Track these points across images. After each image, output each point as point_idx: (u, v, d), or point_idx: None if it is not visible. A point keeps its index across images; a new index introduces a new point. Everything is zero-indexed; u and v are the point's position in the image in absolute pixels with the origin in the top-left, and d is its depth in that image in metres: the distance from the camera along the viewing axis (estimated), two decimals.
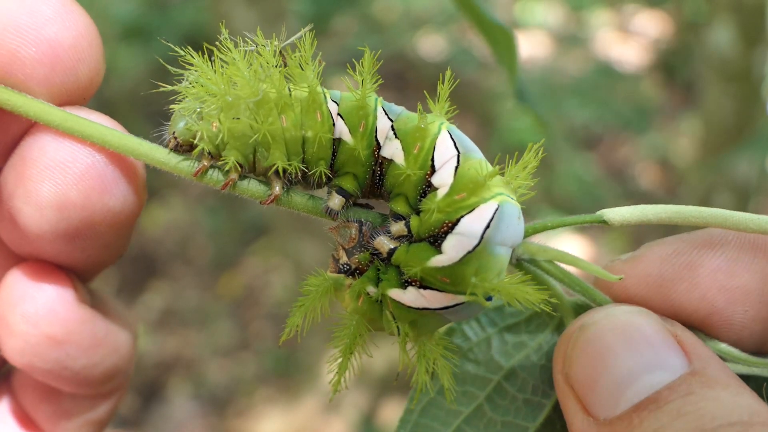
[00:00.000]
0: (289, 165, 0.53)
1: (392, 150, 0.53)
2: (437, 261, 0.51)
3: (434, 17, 4.75)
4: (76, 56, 0.51)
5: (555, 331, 0.61)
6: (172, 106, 0.53)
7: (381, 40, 4.49)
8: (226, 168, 0.53)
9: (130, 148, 0.52)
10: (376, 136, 0.54)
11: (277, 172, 0.53)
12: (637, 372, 0.49)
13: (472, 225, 0.50)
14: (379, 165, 0.55)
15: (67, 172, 0.50)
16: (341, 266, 0.55)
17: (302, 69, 0.54)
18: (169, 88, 0.52)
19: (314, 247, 2.94)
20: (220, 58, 0.52)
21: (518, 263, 0.58)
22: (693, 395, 0.46)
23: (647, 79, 4.77)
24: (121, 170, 0.52)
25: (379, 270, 0.54)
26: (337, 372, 0.55)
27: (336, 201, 0.55)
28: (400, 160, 0.53)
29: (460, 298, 0.51)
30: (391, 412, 2.93)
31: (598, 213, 0.58)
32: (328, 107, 0.54)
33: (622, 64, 4.81)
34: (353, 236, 0.55)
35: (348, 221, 0.55)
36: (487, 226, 0.50)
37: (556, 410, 0.59)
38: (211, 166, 0.54)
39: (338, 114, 0.54)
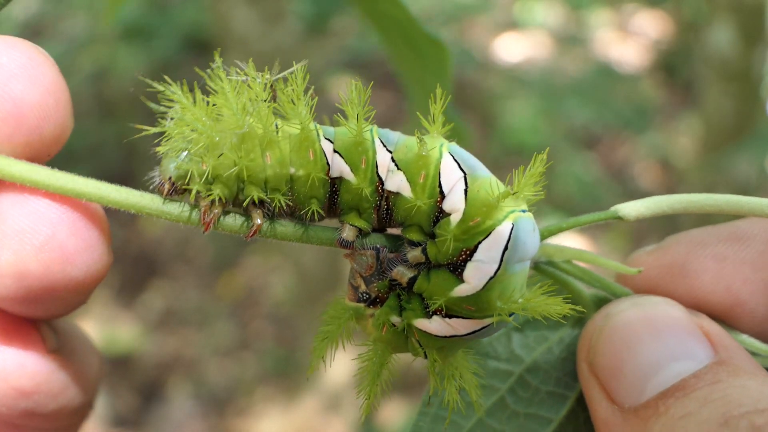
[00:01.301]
0: (269, 199, 0.52)
1: (397, 183, 0.52)
2: (461, 291, 0.50)
3: (434, 17, 4.75)
4: (41, 114, 0.48)
5: (576, 325, 0.61)
6: (157, 149, 0.51)
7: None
8: (209, 198, 0.51)
9: (131, 202, 0.51)
10: (377, 171, 0.53)
11: (256, 202, 0.52)
12: (664, 360, 0.49)
13: (490, 251, 0.49)
14: (385, 199, 0.53)
15: (27, 243, 0.48)
16: (360, 295, 0.54)
17: (294, 104, 0.52)
18: (153, 130, 0.51)
19: (314, 247, 2.94)
20: (210, 87, 0.50)
21: (536, 266, 0.58)
22: (720, 383, 0.46)
23: (647, 79, 4.77)
24: (84, 238, 0.50)
25: (400, 297, 0.53)
26: (366, 398, 0.53)
27: (349, 232, 0.54)
28: (407, 193, 0.52)
29: (486, 322, 0.51)
30: (392, 412, 2.93)
31: (612, 209, 0.57)
32: (321, 145, 0.53)
33: (622, 64, 4.81)
34: (371, 264, 0.53)
35: (364, 248, 0.54)
36: (505, 248, 0.49)
37: (580, 402, 0.58)
38: (196, 200, 0.52)
39: (335, 151, 0.53)
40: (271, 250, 3.72)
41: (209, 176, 0.51)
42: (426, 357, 0.53)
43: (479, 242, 0.50)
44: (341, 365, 3.14)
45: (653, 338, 0.51)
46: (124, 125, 3.96)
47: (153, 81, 0.50)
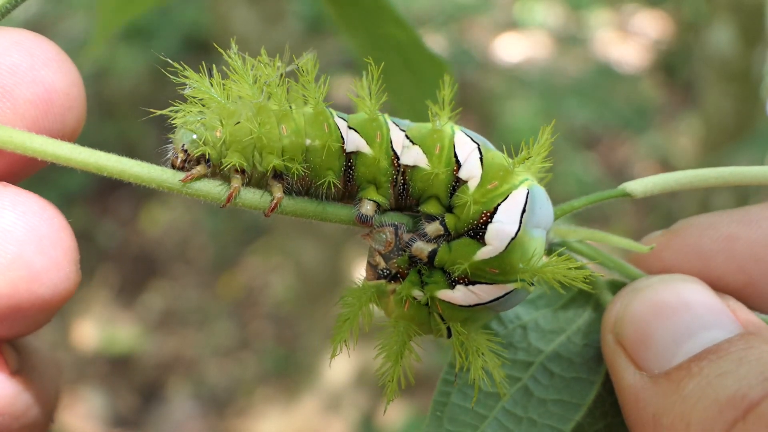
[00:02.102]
0: (287, 168, 0.53)
1: (414, 156, 0.54)
2: (484, 253, 0.51)
3: (434, 17, 4.75)
4: (67, 103, 0.50)
5: (594, 312, 0.61)
6: (173, 120, 0.52)
7: None
8: (227, 166, 0.52)
9: (152, 177, 0.51)
10: (392, 147, 0.54)
11: (275, 176, 0.53)
12: (694, 328, 0.50)
13: (509, 212, 0.51)
14: (402, 174, 0.55)
15: None
16: (381, 272, 0.54)
17: (306, 88, 0.54)
18: (164, 111, 0.52)
19: (314, 246, 2.94)
20: (224, 69, 0.52)
21: (550, 249, 0.59)
22: (754, 348, 0.47)
23: (647, 79, 4.77)
24: (51, 256, 0.49)
25: (421, 273, 0.54)
26: (389, 381, 0.53)
27: (368, 206, 0.54)
28: (424, 164, 0.54)
29: (510, 287, 0.52)
30: (392, 411, 2.93)
31: (621, 186, 0.59)
32: (335, 121, 0.54)
33: (622, 64, 4.81)
34: (389, 240, 0.54)
35: (382, 225, 0.55)
36: (524, 210, 0.51)
37: (605, 386, 0.59)
38: (214, 174, 0.53)
39: (350, 128, 0.54)
40: (271, 249, 3.72)
41: (225, 143, 0.52)
42: (449, 336, 0.53)
43: (499, 204, 0.51)
44: (341, 365, 3.14)
45: (683, 309, 0.51)
46: (124, 125, 3.96)
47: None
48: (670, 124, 4.47)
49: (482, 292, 0.52)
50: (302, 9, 3.92)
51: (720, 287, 0.56)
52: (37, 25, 4.26)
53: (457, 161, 0.53)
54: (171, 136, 0.53)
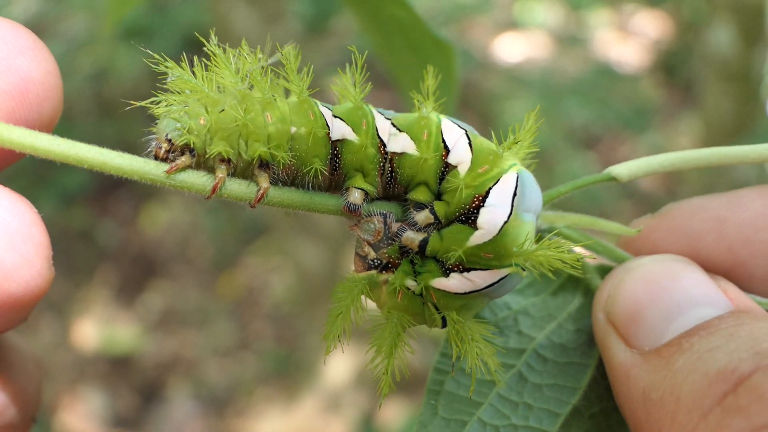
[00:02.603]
0: (273, 156, 0.52)
1: (401, 143, 0.54)
2: (478, 238, 0.51)
3: (434, 18, 4.75)
4: (43, 93, 0.49)
5: (584, 297, 0.61)
6: (155, 110, 0.51)
7: None
8: (212, 154, 0.51)
9: (134, 168, 0.50)
10: (378, 135, 0.54)
11: (261, 166, 0.52)
12: (685, 306, 0.50)
13: (501, 195, 0.51)
14: (389, 162, 0.54)
15: None
16: (371, 262, 0.54)
17: (289, 80, 0.53)
18: (146, 102, 0.51)
19: (314, 246, 2.94)
20: (205, 60, 0.52)
21: (539, 236, 0.58)
22: (744, 325, 0.47)
23: (647, 79, 4.77)
24: (22, 252, 0.47)
25: (414, 262, 0.53)
26: (383, 374, 0.52)
27: (356, 194, 0.54)
28: (412, 150, 0.53)
29: (504, 272, 0.51)
30: (391, 411, 2.93)
31: (606, 170, 0.59)
32: (319, 109, 0.54)
33: (622, 64, 4.81)
34: (378, 229, 0.53)
35: (370, 215, 0.54)
36: (514, 194, 0.51)
37: (599, 369, 0.59)
38: (198, 165, 0.52)
39: (335, 116, 0.54)
40: (271, 249, 3.72)
41: (210, 130, 0.51)
42: (443, 326, 0.53)
43: (490, 188, 0.51)
44: (341, 365, 3.14)
45: (674, 287, 0.51)
46: (124, 125, 3.96)
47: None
48: (670, 124, 4.47)
49: (478, 278, 0.52)
50: (302, 9, 3.92)
51: (710, 268, 0.56)
52: (37, 25, 4.26)
53: (446, 147, 0.53)
54: (153, 129, 0.52)
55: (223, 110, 0.51)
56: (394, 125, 0.54)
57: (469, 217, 0.52)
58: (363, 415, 2.97)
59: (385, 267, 0.54)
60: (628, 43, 4.97)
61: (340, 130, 0.54)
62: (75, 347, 3.40)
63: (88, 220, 3.85)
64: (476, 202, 0.51)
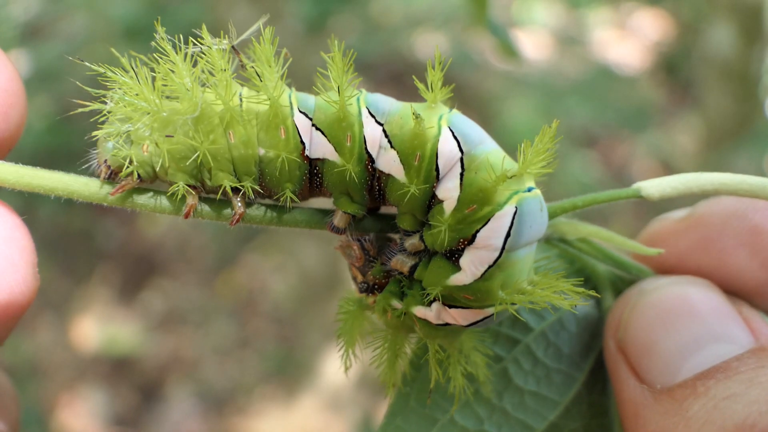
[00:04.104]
0: (242, 186, 0.47)
1: (389, 163, 0.47)
2: (456, 280, 0.46)
3: (434, 18, 4.75)
4: (9, 100, 0.46)
5: (595, 309, 0.58)
6: (94, 132, 0.47)
7: (380, 41, 4.49)
8: (177, 195, 0.46)
9: (62, 184, 0.47)
10: (366, 148, 0.47)
11: (232, 189, 0.48)
12: (702, 341, 0.46)
13: (490, 238, 0.45)
14: (377, 180, 0.49)
15: None
16: (360, 286, 0.52)
17: (258, 75, 0.46)
18: (91, 107, 0.45)
19: (314, 246, 2.94)
20: (158, 61, 0.45)
21: (547, 242, 0.55)
22: (765, 368, 0.43)
23: (647, 79, 4.77)
24: (7, 256, 0.45)
25: (401, 283, 0.51)
26: (387, 387, 0.52)
27: (341, 219, 0.50)
28: (400, 176, 0.47)
29: (488, 312, 0.47)
30: None
31: (634, 187, 0.53)
32: (294, 121, 0.47)
33: (622, 64, 4.80)
34: (358, 255, 0.51)
35: (350, 240, 0.52)
36: (508, 235, 0.45)
37: (587, 386, 0.56)
38: (155, 179, 0.47)
39: (315, 127, 0.47)
40: (271, 249, 3.72)
41: (164, 162, 0.45)
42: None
43: (477, 230, 0.45)
44: (341, 365, 3.13)
45: (692, 318, 0.47)
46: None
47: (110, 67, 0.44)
48: (669, 124, 4.47)
49: (458, 315, 0.47)
50: (302, 9, 3.92)
51: (738, 284, 0.52)
52: (37, 25, 4.26)
53: (438, 175, 0.46)
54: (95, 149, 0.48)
55: (171, 136, 0.45)
56: (386, 134, 0.47)
57: (454, 254, 0.47)
58: (363, 414, 2.97)
59: (372, 289, 0.51)
60: (627, 43, 4.97)
61: (319, 148, 0.47)
62: (75, 347, 3.40)
63: (88, 219, 3.85)
64: (461, 244, 0.46)
